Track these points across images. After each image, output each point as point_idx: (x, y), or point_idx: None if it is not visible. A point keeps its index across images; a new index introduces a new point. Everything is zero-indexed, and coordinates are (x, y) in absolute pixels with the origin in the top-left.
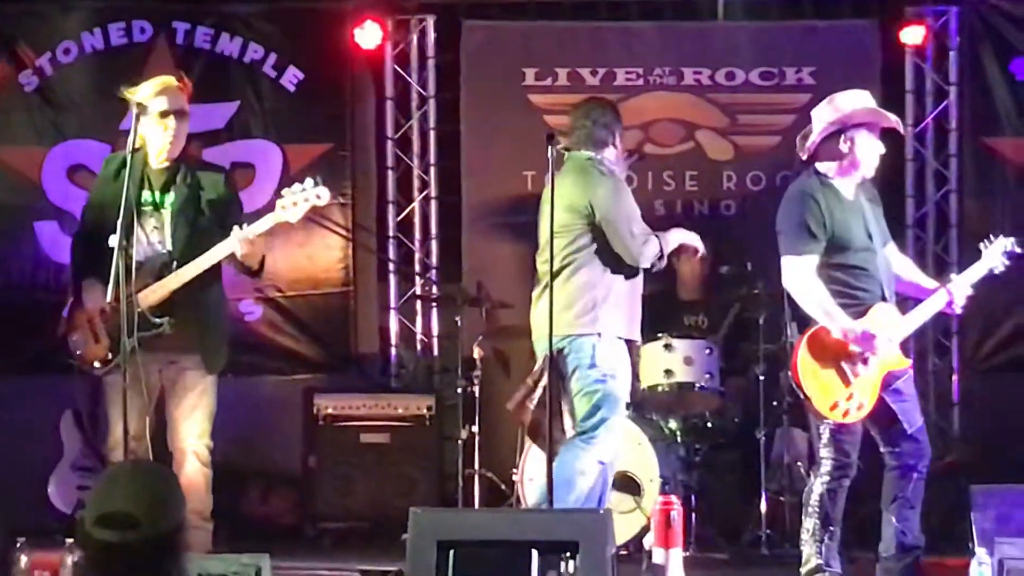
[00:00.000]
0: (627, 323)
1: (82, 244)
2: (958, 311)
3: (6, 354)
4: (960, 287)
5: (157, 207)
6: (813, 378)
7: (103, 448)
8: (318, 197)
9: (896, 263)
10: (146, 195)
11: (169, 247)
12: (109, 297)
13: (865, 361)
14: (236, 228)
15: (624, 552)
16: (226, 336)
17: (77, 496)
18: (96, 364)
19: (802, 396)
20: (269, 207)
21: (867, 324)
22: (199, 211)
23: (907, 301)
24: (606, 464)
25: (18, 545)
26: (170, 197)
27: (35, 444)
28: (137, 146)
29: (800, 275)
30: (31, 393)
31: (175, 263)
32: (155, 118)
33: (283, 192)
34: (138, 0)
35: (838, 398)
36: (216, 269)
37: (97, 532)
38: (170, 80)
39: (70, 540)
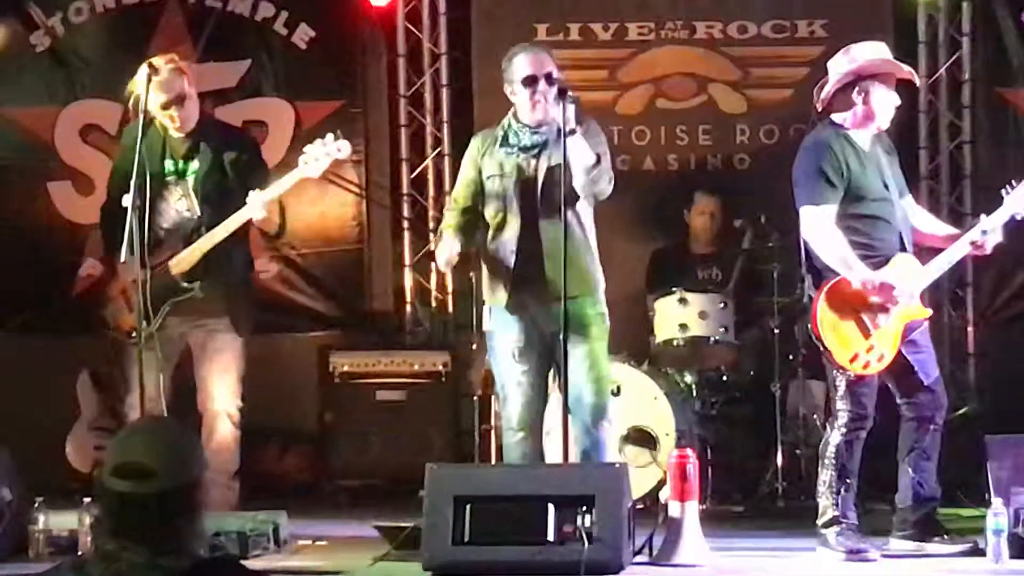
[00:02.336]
0: (488, 289)
1: (110, 215)
2: (988, 251)
3: (21, 314)
4: (991, 232)
5: (181, 175)
6: (833, 330)
7: (121, 408)
8: (339, 151)
9: (914, 215)
10: (168, 164)
11: (198, 213)
12: (123, 258)
13: (885, 311)
14: (252, 193)
15: (640, 506)
16: (252, 298)
17: (94, 456)
18: (131, 334)
19: (822, 349)
20: (282, 164)
21: (887, 274)
22: (223, 175)
23: (924, 253)
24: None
25: (36, 505)
26: (193, 164)
27: (52, 404)
28: (151, 117)
29: (819, 225)
30: (46, 353)
31: (204, 228)
32: (158, 111)
33: (305, 148)
34: None
35: (859, 350)
36: (243, 232)
37: (113, 482)
38: (158, 66)
39: (88, 500)
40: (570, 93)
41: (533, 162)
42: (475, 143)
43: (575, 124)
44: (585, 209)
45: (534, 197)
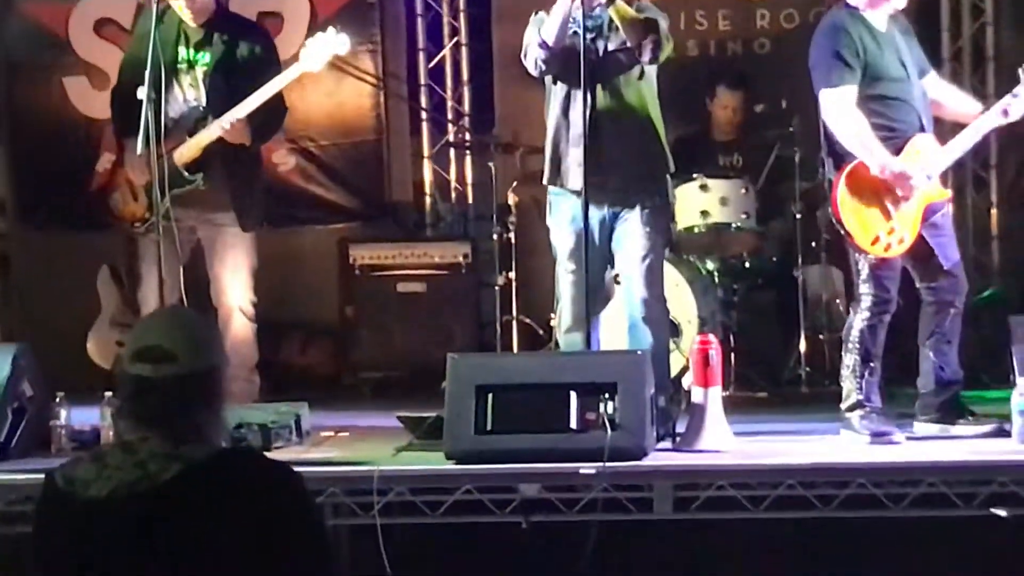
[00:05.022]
0: (549, 172)
1: (120, 101)
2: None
3: (39, 211)
4: (1018, 104)
5: (192, 65)
6: (854, 214)
7: (137, 302)
8: (340, 45)
9: (940, 92)
10: (182, 52)
11: (204, 104)
12: (139, 151)
13: (904, 197)
14: (227, 114)
15: None
16: (260, 194)
17: (115, 352)
18: (135, 223)
19: (843, 232)
20: (297, 56)
21: (905, 157)
22: (233, 68)
23: (948, 133)
24: None
25: (57, 400)
26: (205, 55)
27: (72, 300)
28: (166, 4)
29: (839, 107)
30: (66, 249)
31: (209, 119)
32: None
33: (307, 42)
34: None
35: (879, 232)
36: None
37: (133, 367)
38: None
39: (109, 394)
40: None
41: (596, 42)
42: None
43: None
44: (651, 87)
45: (598, 76)
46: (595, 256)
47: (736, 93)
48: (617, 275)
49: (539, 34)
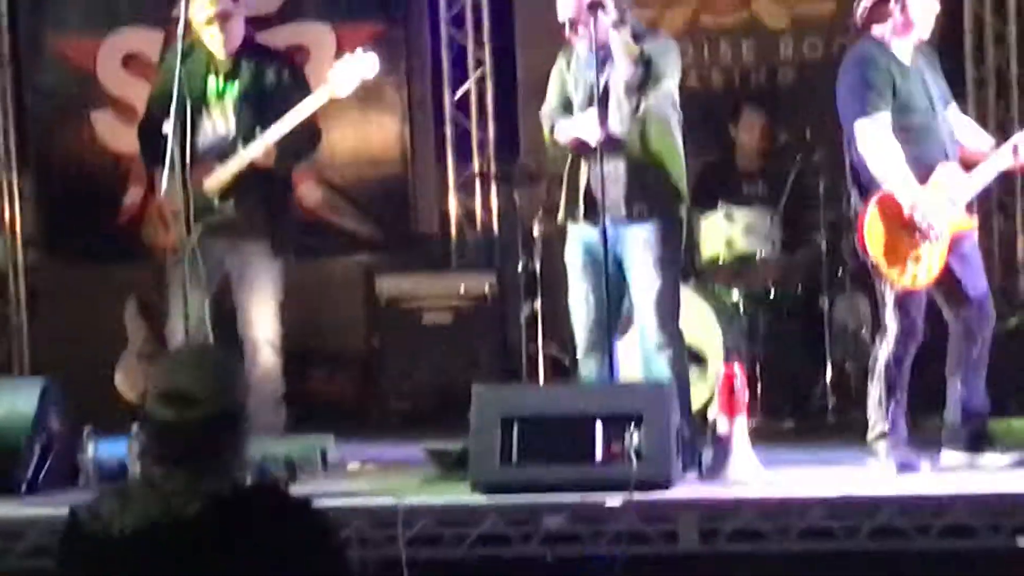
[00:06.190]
0: (564, 210)
1: (148, 134)
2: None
3: (67, 245)
4: None
5: (221, 95)
6: (880, 243)
7: (164, 334)
8: (369, 68)
9: (960, 128)
10: (211, 83)
11: (233, 133)
12: (164, 185)
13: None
14: (259, 133)
15: None
16: (291, 220)
17: (143, 385)
18: (167, 254)
19: (870, 264)
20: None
21: (930, 188)
22: (262, 96)
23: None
24: None
25: (85, 433)
26: (233, 86)
27: (100, 333)
28: (196, 36)
29: (876, 135)
30: (93, 282)
31: (239, 147)
32: (202, 27)
33: (335, 65)
34: None
35: (906, 262)
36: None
37: (157, 410)
38: None
39: (136, 427)
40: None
41: (601, 79)
42: (560, 59)
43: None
44: (656, 118)
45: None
46: (607, 282)
47: (761, 113)
48: None
49: (556, 135)
